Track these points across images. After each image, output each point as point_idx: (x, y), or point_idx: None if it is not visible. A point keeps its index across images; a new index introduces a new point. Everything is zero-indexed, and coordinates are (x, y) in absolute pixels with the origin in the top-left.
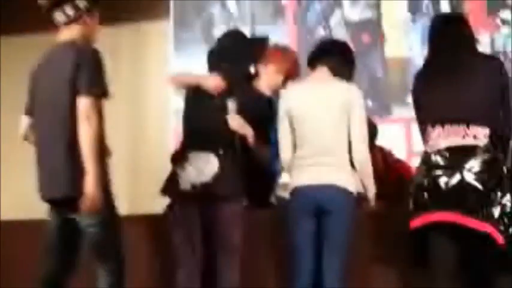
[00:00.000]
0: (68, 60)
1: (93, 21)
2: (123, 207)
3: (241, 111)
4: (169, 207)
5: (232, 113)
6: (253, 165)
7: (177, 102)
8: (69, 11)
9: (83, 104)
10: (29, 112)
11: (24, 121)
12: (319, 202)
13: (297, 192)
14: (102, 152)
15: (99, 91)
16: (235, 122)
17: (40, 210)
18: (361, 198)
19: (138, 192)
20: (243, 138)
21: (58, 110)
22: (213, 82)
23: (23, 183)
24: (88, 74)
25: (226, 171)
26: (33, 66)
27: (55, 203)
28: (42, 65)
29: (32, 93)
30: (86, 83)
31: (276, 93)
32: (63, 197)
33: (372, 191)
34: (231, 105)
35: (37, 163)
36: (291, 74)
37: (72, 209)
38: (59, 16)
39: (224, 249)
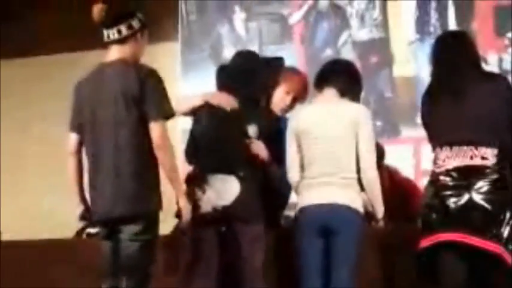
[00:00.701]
0: (129, 79)
1: (143, 40)
2: None
3: (258, 134)
4: (183, 229)
5: (253, 138)
6: (266, 186)
7: (185, 123)
8: (124, 30)
9: (157, 128)
10: (77, 129)
11: (72, 138)
12: (326, 221)
13: (304, 211)
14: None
15: (168, 112)
16: (258, 148)
17: (38, 231)
18: (369, 217)
19: None
20: (261, 161)
21: (122, 127)
22: (223, 98)
23: (22, 204)
24: (156, 96)
25: (248, 194)
26: (79, 84)
27: (114, 221)
28: (94, 83)
29: (82, 110)
30: (156, 106)
31: (283, 113)
32: (131, 214)
33: (380, 210)
34: (252, 130)
35: (93, 180)
36: (300, 96)
37: (131, 224)
38: (112, 34)
39: (247, 272)
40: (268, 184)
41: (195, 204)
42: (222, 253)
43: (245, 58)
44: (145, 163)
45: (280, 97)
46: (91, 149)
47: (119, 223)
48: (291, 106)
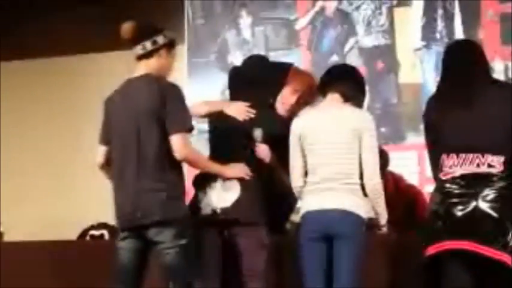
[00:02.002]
0: (151, 93)
1: (170, 56)
2: None
3: (266, 139)
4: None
5: (258, 141)
6: (275, 192)
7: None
8: (149, 45)
9: (176, 141)
10: (105, 141)
11: (101, 150)
12: (330, 227)
13: (307, 217)
14: (182, 176)
15: (189, 126)
16: (263, 151)
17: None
18: (373, 224)
19: None
20: (266, 165)
21: (145, 138)
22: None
23: (23, 207)
24: (175, 110)
25: (248, 197)
26: (109, 97)
27: (138, 228)
28: (121, 97)
29: (110, 123)
30: (175, 120)
31: (289, 113)
32: (151, 221)
33: (384, 217)
34: (257, 133)
35: (116, 190)
36: (306, 96)
37: (159, 232)
38: (139, 50)
39: (248, 276)
40: (275, 188)
41: (196, 207)
42: (223, 256)
43: (256, 63)
44: (167, 171)
45: (286, 97)
46: (116, 160)
47: (142, 230)
48: (297, 107)
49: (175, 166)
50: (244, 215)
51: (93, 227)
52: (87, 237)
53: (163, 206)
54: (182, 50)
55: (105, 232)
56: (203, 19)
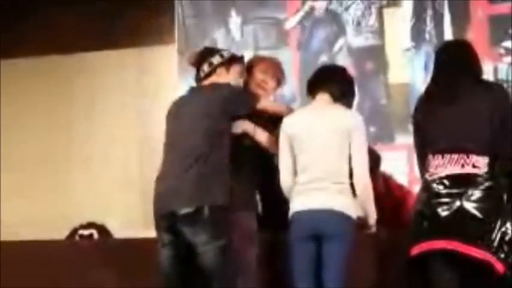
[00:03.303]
0: (207, 94)
1: (229, 72)
2: (139, 229)
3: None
4: None
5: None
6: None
7: None
8: (206, 68)
9: (267, 106)
10: None
11: None
12: (319, 226)
13: (297, 216)
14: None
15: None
16: (245, 126)
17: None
18: (362, 223)
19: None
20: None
21: (189, 135)
22: None
23: (22, 205)
24: (242, 100)
25: (235, 187)
26: (170, 110)
27: (172, 217)
28: (177, 102)
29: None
30: (247, 96)
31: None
32: (188, 207)
33: (372, 216)
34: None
35: (159, 184)
36: (277, 76)
37: (194, 232)
38: (199, 74)
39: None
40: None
41: None
42: None
43: None
44: (209, 167)
45: (265, 81)
46: (165, 155)
47: (177, 227)
48: (271, 87)
49: (219, 162)
50: (232, 203)
51: (82, 227)
52: (76, 237)
53: (196, 194)
54: (172, 50)
55: (94, 231)
56: (193, 19)
